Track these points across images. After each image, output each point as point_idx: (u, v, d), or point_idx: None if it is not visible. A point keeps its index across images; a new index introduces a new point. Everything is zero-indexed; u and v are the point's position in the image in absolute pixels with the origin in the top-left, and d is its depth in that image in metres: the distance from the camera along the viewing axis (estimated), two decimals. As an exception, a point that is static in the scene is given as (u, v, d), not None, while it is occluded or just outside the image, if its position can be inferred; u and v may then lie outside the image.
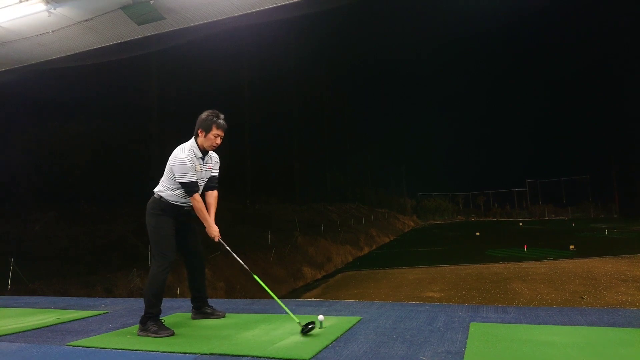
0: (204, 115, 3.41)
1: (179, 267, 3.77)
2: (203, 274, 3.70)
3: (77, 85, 15.38)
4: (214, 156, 3.59)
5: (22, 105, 14.39)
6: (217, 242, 3.44)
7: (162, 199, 3.39)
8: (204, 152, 3.45)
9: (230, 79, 27.92)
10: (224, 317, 3.65)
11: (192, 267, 3.62)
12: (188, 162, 3.30)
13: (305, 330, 2.92)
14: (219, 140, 3.42)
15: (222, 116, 3.43)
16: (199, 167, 3.39)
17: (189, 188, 3.30)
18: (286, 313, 3.24)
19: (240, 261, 3.40)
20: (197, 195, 3.33)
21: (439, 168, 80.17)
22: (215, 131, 3.38)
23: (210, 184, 3.58)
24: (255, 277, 3.39)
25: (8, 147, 13.92)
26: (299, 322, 3.00)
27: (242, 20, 5.15)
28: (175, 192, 3.39)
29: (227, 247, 3.40)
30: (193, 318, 3.64)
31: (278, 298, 3.49)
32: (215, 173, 3.61)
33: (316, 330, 3.02)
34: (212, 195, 3.59)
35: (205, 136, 3.37)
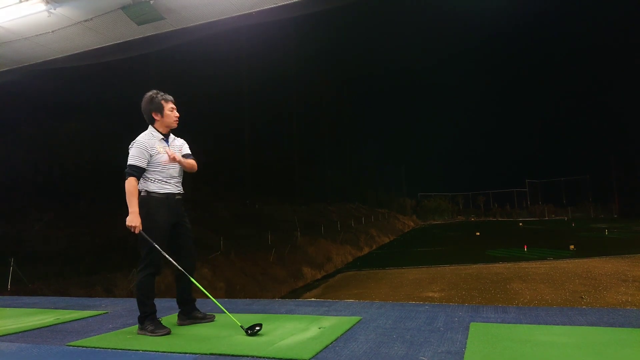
0: (146, 100, 3.34)
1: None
2: (193, 274, 3.44)
3: (77, 85, 15.40)
4: (178, 141, 3.52)
5: (22, 105, 14.39)
6: (136, 233, 3.15)
7: (150, 195, 3.27)
8: (166, 133, 3.42)
9: (231, 78, 27.95)
10: (214, 320, 3.52)
11: (182, 267, 3.37)
12: (142, 146, 3.23)
13: (250, 332, 2.95)
14: (176, 112, 3.42)
15: (162, 93, 3.40)
16: (161, 150, 3.31)
17: (131, 170, 3.18)
18: (284, 313, 3.23)
19: (172, 261, 3.24)
20: (133, 179, 3.19)
21: (439, 168, 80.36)
22: (168, 105, 3.36)
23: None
24: (193, 280, 3.35)
25: (8, 147, 13.93)
26: (241, 326, 3.02)
27: (242, 21, 5.15)
28: (161, 181, 3.31)
29: (149, 239, 3.14)
30: (180, 324, 3.43)
31: (277, 298, 3.50)
32: (187, 151, 3.55)
33: (316, 331, 3.03)
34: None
35: (162, 116, 3.35)
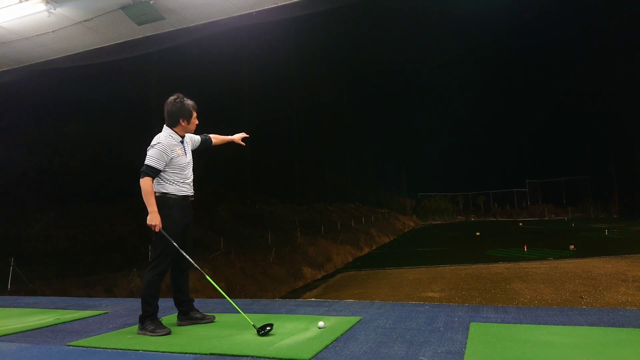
0: (177, 105, 3.37)
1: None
2: (188, 273, 3.54)
3: (77, 85, 15.38)
4: (186, 138, 3.57)
5: (22, 105, 14.39)
6: (157, 231, 3.21)
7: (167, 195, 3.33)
8: (183, 136, 3.49)
9: (231, 78, 27.93)
10: (214, 320, 3.53)
11: (179, 266, 3.44)
12: (163, 149, 3.26)
13: (262, 332, 2.96)
14: (197, 121, 3.52)
15: (186, 98, 3.47)
16: (180, 151, 3.38)
17: (148, 170, 3.21)
18: (284, 313, 3.24)
19: (189, 258, 3.29)
20: (150, 179, 3.22)
21: (439, 168, 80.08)
22: (194, 114, 3.47)
23: (204, 138, 3.77)
24: (208, 277, 3.41)
25: (8, 147, 13.92)
26: (253, 325, 3.04)
27: (242, 20, 5.15)
28: (179, 182, 3.39)
29: (168, 237, 3.20)
30: (179, 325, 3.43)
31: (277, 298, 3.50)
32: (196, 137, 3.69)
33: (316, 331, 3.03)
34: (213, 136, 3.86)
35: (189, 123, 3.44)
